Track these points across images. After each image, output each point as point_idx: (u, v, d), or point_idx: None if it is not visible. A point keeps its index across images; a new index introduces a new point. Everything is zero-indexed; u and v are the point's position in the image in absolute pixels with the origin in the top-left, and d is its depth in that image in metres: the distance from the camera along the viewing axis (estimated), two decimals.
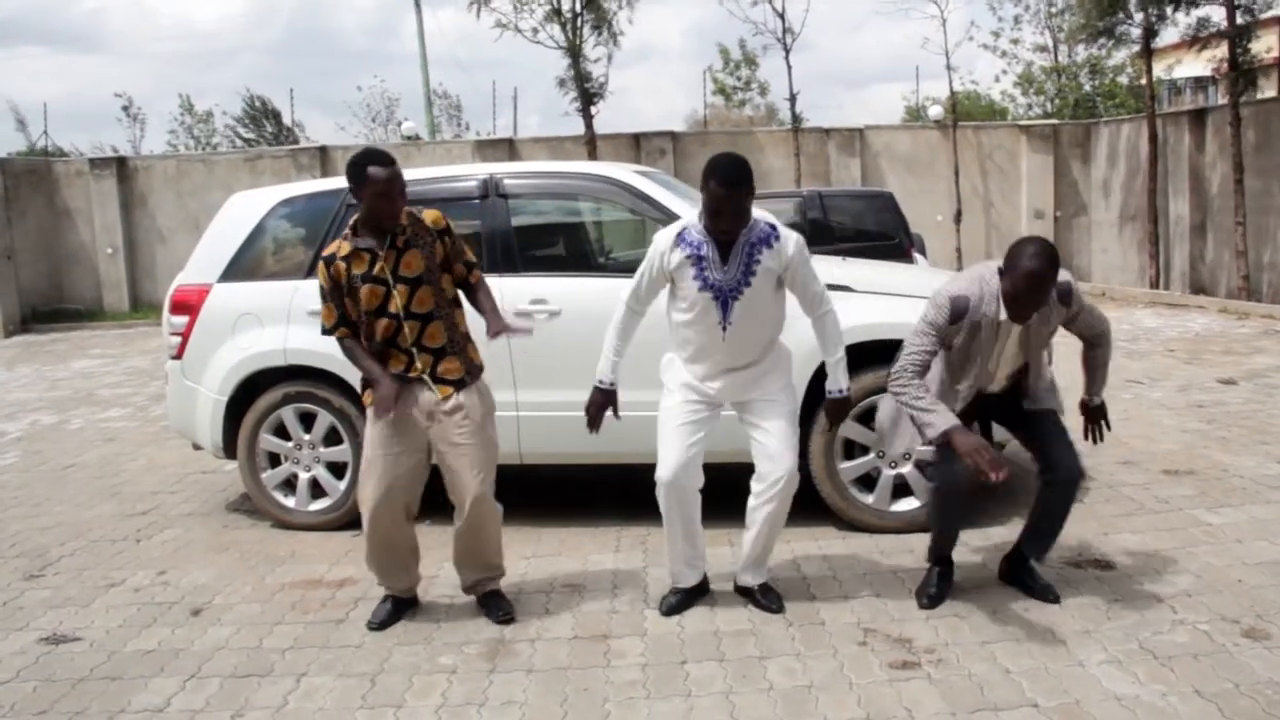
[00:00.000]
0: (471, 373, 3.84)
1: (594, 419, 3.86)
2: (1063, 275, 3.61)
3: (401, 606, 4.04)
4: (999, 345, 3.73)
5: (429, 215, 3.79)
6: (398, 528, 3.90)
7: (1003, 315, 3.62)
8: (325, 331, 3.86)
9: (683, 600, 3.99)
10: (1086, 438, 4.06)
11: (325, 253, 3.79)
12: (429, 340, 3.76)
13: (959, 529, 4.03)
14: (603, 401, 3.86)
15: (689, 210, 4.83)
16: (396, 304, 3.70)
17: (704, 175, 3.56)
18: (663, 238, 3.73)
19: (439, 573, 4.36)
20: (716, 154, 3.63)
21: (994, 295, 3.62)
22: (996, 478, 3.37)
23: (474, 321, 3.92)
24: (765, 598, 3.97)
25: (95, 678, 3.61)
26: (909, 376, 3.65)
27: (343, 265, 3.71)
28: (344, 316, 3.79)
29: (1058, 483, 3.79)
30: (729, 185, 3.52)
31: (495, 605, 3.98)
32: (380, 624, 3.94)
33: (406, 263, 3.71)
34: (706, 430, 3.81)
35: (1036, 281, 3.47)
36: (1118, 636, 3.58)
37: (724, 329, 3.69)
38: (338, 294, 3.76)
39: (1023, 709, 3.12)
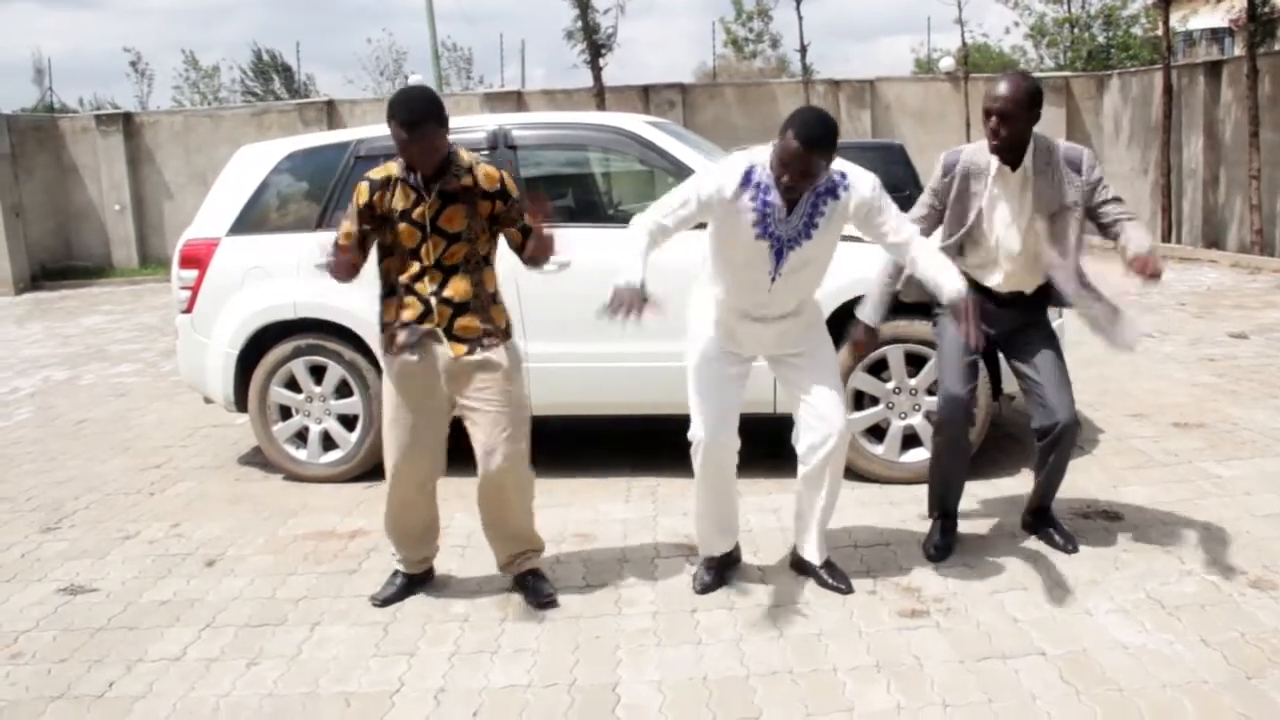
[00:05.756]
0: (491, 334, 3.56)
1: (624, 308, 3.07)
2: (1074, 145, 3.53)
3: (412, 584, 3.82)
4: (998, 205, 3.58)
5: (484, 172, 3.51)
6: (420, 489, 3.69)
7: (994, 165, 3.53)
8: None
9: (716, 576, 3.75)
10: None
11: (373, 174, 3.54)
12: (450, 292, 3.50)
13: (960, 482, 3.97)
14: (631, 297, 3.09)
15: (701, 161, 4.79)
16: (429, 254, 3.48)
17: (784, 123, 3.22)
18: (726, 176, 3.34)
19: (450, 523, 4.39)
20: (807, 106, 3.32)
21: (984, 148, 3.55)
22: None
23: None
24: (833, 576, 3.68)
25: (113, 627, 3.66)
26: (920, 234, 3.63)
27: (385, 194, 3.48)
28: (363, 240, 3.53)
29: (1053, 433, 3.67)
30: (806, 143, 3.16)
31: (535, 588, 3.71)
32: (384, 600, 3.74)
33: (449, 216, 3.46)
34: (742, 385, 3.59)
35: (1001, 100, 3.40)
36: (1125, 586, 3.60)
37: (773, 279, 3.42)
38: (366, 214, 3.50)
39: (1030, 657, 3.15)
